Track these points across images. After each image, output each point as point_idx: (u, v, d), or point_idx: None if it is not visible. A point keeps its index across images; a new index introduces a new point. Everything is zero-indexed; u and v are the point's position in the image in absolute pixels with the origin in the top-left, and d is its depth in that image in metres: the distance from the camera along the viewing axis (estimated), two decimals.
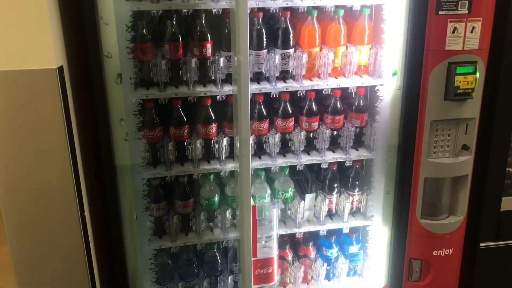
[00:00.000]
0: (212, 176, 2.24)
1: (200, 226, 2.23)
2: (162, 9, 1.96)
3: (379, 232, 2.33)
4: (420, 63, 1.97)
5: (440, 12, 1.90)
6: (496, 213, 2.30)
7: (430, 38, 1.93)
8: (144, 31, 1.99)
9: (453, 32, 1.91)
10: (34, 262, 1.90)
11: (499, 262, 2.36)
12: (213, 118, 2.15)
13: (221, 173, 2.18)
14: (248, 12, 1.64)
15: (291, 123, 2.22)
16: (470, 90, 1.96)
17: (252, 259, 1.96)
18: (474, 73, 1.94)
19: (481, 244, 2.32)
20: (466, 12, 1.89)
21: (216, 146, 2.15)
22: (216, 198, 2.26)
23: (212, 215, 2.27)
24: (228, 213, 2.24)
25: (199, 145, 2.13)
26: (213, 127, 2.16)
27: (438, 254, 2.19)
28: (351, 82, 2.14)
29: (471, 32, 1.92)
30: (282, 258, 2.38)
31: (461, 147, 2.07)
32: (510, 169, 2.49)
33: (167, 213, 2.23)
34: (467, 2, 1.88)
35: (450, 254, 2.20)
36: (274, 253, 2.14)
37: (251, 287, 2.00)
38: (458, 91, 1.95)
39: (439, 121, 2.03)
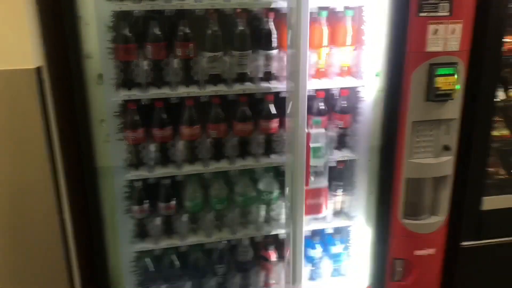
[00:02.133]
0: (195, 178, 2.22)
1: (183, 228, 2.21)
2: (144, 10, 1.94)
3: (362, 233, 2.34)
4: (402, 64, 1.99)
5: (421, 14, 1.92)
6: (477, 212, 2.33)
7: (411, 39, 1.95)
8: (126, 32, 1.97)
9: (434, 33, 1.93)
10: (13, 265, 1.86)
11: (480, 261, 2.39)
12: (197, 119, 2.14)
13: (204, 175, 2.17)
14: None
15: (275, 124, 2.22)
16: (451, 91, 1.98)
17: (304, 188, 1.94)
18: (455, 74, 1.97)
19: (463, 244, 2.35)
20: (447, 14, 1.91)
21: (200, 147, 2.14)
22: (200, 200, 2.25)
23: (196, 217, 2.25)
24: (211, 215, 2.22)
25: (182, 147, 2.12)
26: (197, 128, 2.14)
27: (420, 253, 2.21)
28: (334, 83, 2.15)
29: (452, 33, 1.94)
30: (265, 259, 2.38)
31: (442, 147, 2.09)
32: (491, 169, 2.53)
33: (149, 215, 2.21)
34: (448, 4, 1.90)
35: (432, 253, 2.23)
36: (325, 184, 2.15)
37: (303, 217, 1.98)
38: (439, 92, 1.98)
39: (420, 122, 2.05)
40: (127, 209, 2.15)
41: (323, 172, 2.16)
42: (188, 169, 2.14)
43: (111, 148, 2.01)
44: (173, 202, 2.21)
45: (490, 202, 2.35)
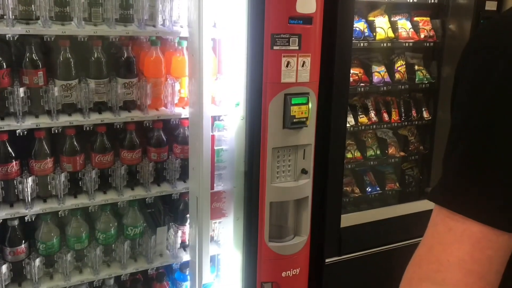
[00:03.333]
0: (48, 217, 2.02)
1: (36, 274, 1.99)
2: None
3: (231, 259, 2.35)
4: (260, 94, 2.08)
5: (274, 47, 2.03)
6: (336, 230, 2.50)
7: (268, 71, 2.05)
8: None
9: (287, 66, 2.06)
10: None
11: (343, 275, 2.57)
12: (49, 152, 1.97)
13: (59, 213, 1.99)
14: None
15: (138, 154, 2.14)
16: (305, 119, 2.11)
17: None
18: (307, 103, 2.11)
19: (326, 260, 2.50)
20: (297, 48, 2.06)
21: (53, 182, 1.96)
22: (55, 241, 2.05)
23: (51, 260, 2.05)
24: (69, 256, 2.04)
25: (31, 182, 1.92)
26: (49, 162, 1.97)
27: (287, 274, 2.29)
28: None
29: (302, 66, 2.09)
30: None
31: (301, 171, 2.22)
32: (346, 188, 2.76)
33: None
34: (297, 38, 2.05)
35: (297, 273, 2.31)
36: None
37: (208, 241, 2.03)
38: (294, 120, 2.09)
39: (279, 148, 2.14)
40: None
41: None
42: (39, 208, 1.95)
43: None
44: (24, 246, 1.98)
45: (348, 219, 2.54)
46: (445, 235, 0.75)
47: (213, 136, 2.10)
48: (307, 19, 2.03)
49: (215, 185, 2.15)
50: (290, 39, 2.02)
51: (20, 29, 1.78)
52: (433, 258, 0.76)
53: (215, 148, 2.11)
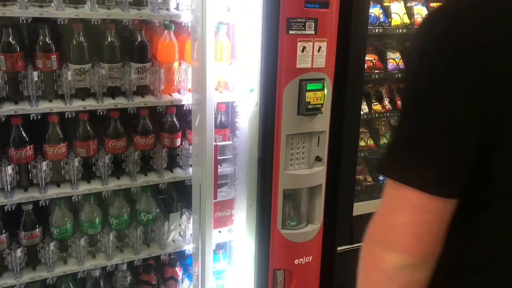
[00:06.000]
0: (62, 202, 2.02)
1: (51, 258, 1.99)
2: None
3: (244, 246, 2.34)
4: (274, 80, 2.05)
5: (290, 32, 1.99)
6: (349, 218, 2.49)
7: (282, 56, 2.02)
8: None
9: (303, 51, 2.03)
10: None
11: (354, 263, 2.55)
12: (62, 137, 1.96)
13: (73, 198, 1.99)
14: None
15: (151, 139, 2.13)
16: (320, 105, 2.08)
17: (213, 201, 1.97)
18: (322, 89, 2.08)
19: (338, 249, 2.49)
20: (313, 32, 2.02)
21: (67, 167, 1.96)
22: (69, 226, 2.05)
23: (65, 245, 2.05)
24: (83, 241, 2.04)
25: (45, 167, 1.92)
26: (63, 147, 1.96)
27: (299, 262, 2.28)
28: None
29: (318, 51, 2.05)
30: (146, 283, 2.25)
31: (315, 158, 2.19)
32: (359, 177, 2.74)
33: (8, 246, 1.95)
34: (313, 23, 2.01)
35: (310, 261, 2.31)
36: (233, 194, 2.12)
37: (211, 230, 2.00)
38: (309, 107, 2.07)
39: (293, 135, 2.12)
40: None
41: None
42: (53, 192, 1.95)
43: None
44: (38, 230, 1.98)
45: (360, 208, 2.52)
46: (390, 202, 0.87)
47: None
48: (323, 3, 1.99)
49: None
50: (306, 23, 1.99)
51: (33, 11, 1.76)
52: (382, 224, 0.88)
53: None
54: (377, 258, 0.89)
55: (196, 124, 2.02)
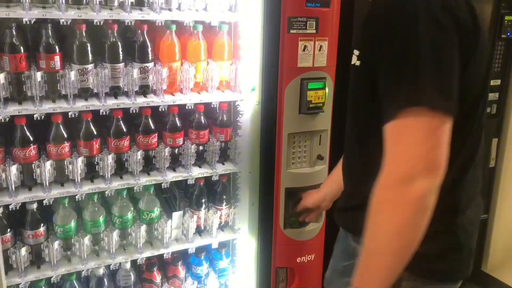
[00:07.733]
0: (66, 201, 2.04)
1: (55, 257, 2.01)
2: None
3: (247, 245, 2.36)
4: (276, 79, 2.06)
5: (291, 31, 2.01)
6: None
7: (284, 55, 2.03)
8: None
9: (304, 50, 2.04)
10: None
11: None
12: (66, 136, 1.98)
13: (77, 197, 2.01)
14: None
15: (154, 139, 2.14)
16: (321, 104, 2.10)
17: None
18: (324, 88, 2.09)
19: None
20: (314, 31, 2.03)
21: (70, 167, 1.98)
22: (73, 224, 2.07)
23: (69, 243, 2.07)
24: (87, 239, 2.06)
25: (49, 167, 1.93)
26: (66, 147, 1.98)
27: (302, 260, 2.29)
28: (212, 97, 2.15)
29: (319, 50, 2.06)
30: (149, 281, 2.27)
31: (316, 157, 2.20)
32: None
33: (13, 245, 1.97)
34: (314, 22, 2.02)
35: (312, 259, 2.32)
36: None
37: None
38: (311, 105, 2.08)
39: (295, 134, 2.13)
40: None
41: None
42: (57, 191, 1.97)
43: None
44: (42, 229, 2.00)
45: None
46: (407, 135, 1.01)
47: None
48: (324, 2, 2.00)
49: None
50: (307, 22, 2.00)
51: (36, 13, 1.77)
52: (403, 157, 1.01)
53: None
54: (403, 192, 0.99)
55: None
